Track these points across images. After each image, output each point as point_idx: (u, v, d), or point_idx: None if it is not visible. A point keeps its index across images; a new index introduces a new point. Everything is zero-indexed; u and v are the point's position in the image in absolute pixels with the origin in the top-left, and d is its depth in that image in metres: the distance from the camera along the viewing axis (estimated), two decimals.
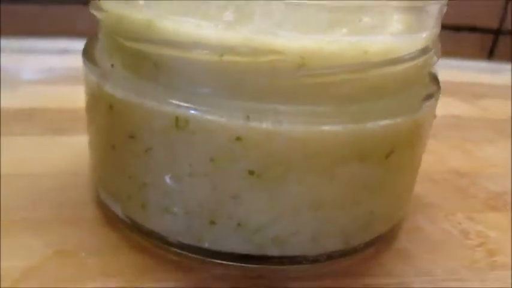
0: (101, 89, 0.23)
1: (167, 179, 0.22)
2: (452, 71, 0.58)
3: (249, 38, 0.20)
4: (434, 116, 0.27)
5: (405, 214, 0.30)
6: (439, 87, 0.27)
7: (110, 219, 0.27)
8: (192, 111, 0.20)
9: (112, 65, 0.23)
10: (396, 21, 0.22)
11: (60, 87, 0.46)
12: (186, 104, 0.20)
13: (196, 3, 0.20)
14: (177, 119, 0.21)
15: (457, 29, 0.70)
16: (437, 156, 0.39)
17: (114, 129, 0.23)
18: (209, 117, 0.20)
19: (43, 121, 0.39)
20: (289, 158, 0.21)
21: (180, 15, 0.20)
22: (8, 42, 0.55)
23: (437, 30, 0.26)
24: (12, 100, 0.42)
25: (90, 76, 0.24)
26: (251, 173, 0.21)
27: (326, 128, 0.21)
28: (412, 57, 0.22)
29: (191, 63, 0.20)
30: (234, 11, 0.19)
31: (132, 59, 0.22)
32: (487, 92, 0.54)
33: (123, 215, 0.25)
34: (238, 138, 0.20)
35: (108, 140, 0.24)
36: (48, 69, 0.50)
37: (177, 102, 0.21)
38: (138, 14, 0.21)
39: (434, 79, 0.27)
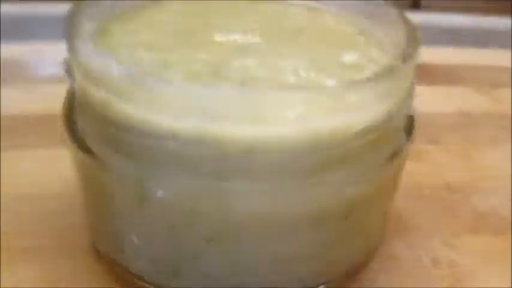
0: (78, 155, 0.25)
1: (134, 237, 0.25)
2: (470, 50, 0.56)
3: (196, 128, 0.21)
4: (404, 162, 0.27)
5: (377, 246, 0.30)
6: (410, 133, 0.27)
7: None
8: (152, 189, 0.22)
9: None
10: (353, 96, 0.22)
11: None
12: (147, 182, 0.22)
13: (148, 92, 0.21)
14: (140, 194, 0.22)
15: None
16: (433, 167, 0.39)
17: (92, 192, 0.26)
18: (167, 194, 0.22)
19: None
20: (243, 229, 0.23)
21: (131, 102, 0.21)
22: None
23: (408, 82, 0.25)
24: (27, 103, 0.43)
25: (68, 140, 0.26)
26: (208, 240, 0.23)
27: (279, 202, 0.22)
28: (373, 129, 0.23)
29: (147, 148, 0.22)
30: (181, 103, 0.20)
31: (101, 132, 0.23)
32: (508, 79, 0.52)
33: (106, 254, 0.28)
34: (194, 212, 0.22)
35: (89, 199, 0.27)
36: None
37: (140, 180, 0.22)
38: (96, 92, 0.22)
39: (406, 126, 0.27)
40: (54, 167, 0.36)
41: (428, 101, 0.50)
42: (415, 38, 0.25)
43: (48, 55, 0.50)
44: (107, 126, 0.22)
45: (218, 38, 0.28)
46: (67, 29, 0.24)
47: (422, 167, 0.38)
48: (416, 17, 0.29)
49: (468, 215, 0.34)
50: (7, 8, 0.56)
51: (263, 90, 0.20)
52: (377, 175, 0.24)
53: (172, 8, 0.31)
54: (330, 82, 0.24)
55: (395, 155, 0.25)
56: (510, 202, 0.35)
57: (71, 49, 0.23)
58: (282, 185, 0.22)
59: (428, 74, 0.52)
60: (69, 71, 0.25)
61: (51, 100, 0.45)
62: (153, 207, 0.23)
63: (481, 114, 0.46)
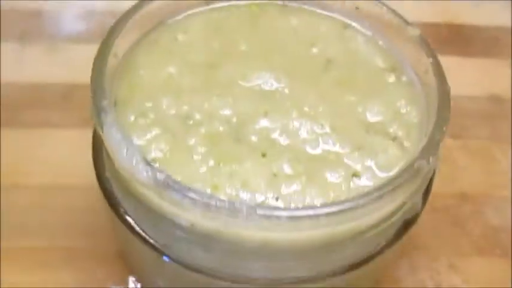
0: None
1: (159, 281, 0.27)
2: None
3: (214, 227, 0.21)
4: None
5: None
6: (426, 200, 0.27)
7: None
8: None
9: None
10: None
11: None
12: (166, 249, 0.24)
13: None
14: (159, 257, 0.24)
15: None
16: (450, 171, 0.38)
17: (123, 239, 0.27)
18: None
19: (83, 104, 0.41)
20: None
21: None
22: None
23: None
24: (50, 66, 0.43)
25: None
26: None
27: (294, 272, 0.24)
28: (385, 219, 0.23)
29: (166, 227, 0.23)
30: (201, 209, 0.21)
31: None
32: None
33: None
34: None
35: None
36: (90, 13, 0.48)
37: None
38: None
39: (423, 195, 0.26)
40: (82, 151, 0.37)
41: (457, 78, 0.47)
42: (445, 111, 0.24)
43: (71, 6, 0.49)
44: (131, 198, 0.24)
45: (241, 77, 0.27)
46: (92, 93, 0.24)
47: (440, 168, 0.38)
48: None
49: (479, 230, 0.35)
50: None
51: (278, 212, 0.20)
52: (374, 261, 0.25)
53: (196, 23, 0.30)
54: (349, 159, 0.24)
55: (409, 225, 0.26)
56: None
57: (99, 127, 0.23)
58: (294, 264, 0.24)
59: (462, 39, 0.49)
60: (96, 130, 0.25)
61: (76, 64, 0.45)
62: (172, 271, 0.25)
63: None
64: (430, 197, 0.34)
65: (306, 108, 0.26)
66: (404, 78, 0.28)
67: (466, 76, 0.45)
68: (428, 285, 0.32)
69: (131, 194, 0.23)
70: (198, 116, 0.25)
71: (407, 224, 0.25)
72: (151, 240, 0.25)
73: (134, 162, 0.21)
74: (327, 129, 0.25)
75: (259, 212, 0.20)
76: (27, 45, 0.44)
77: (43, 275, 0.32)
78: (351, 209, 0.21)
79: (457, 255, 0.34)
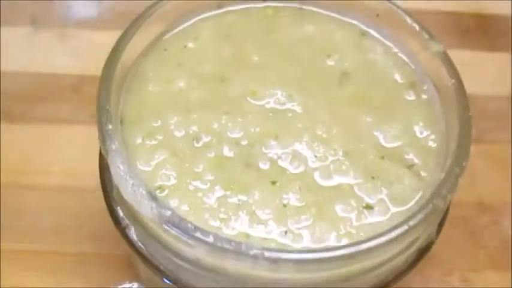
0: None
1: None
2: None
3: (219, 264, 0.21)
4: None
5: None
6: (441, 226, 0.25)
7: None
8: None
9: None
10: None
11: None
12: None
13: None
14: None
15: None
16: (469, 179, 0.36)
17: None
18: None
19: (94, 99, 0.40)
20: None
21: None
22: None
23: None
24: (59, 59, 0.41)
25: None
26: None
27: None
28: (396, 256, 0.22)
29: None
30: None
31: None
32: None
33: None
34: None
35: None
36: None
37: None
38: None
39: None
40: (92, 150, 0.32)
41: (478, 75, 0.43)
42: (466, 143, 0.23)
43: None
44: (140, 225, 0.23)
45: (252, 94, 0.26)
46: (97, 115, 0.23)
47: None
48: None
49: (495, 243, 0.34)
50: None
51: (286, 255, 0.20)
52: (401, 276, 0.24)
53: (206, 29, 0.29)
54: (361, 191, 0.23)
55: (424, 253, 0.25)
56: None
57: (104, 152, 0.22)
58: None
59: (486, 31, 0.46)
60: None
61: (86, 53, 0.44)
62: None
63: None
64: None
65: (318, 132, 0.25)
66: (423, 96, 0.27)
67: (488, 73, 0.44)
68: None
69: (137, 221, 0.23)
70: (206, 139, 0.24)
71: (422, 252, 0.25)
72: (155, 262, 0.24)
73: (139, 196, 0.21)
74: (340, 155, 0.24)
75: (267, 255, 0.19)
76: (37, 31, 0.44)
77: (52, 279, 0.32)
78: (362, 252, 0.20)
79: (472, 269, 0.33)
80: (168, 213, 0.20)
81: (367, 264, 0.21)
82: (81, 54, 0.43)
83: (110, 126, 0.23)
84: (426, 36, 0.27)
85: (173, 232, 0.20)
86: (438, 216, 0.23)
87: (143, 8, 0.30)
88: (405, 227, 0.21)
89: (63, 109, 0.39)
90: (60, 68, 0.41)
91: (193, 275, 0.23)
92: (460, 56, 0.45)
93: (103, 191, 0.26)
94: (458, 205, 0.37)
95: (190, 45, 0.28)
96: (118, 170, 0.21)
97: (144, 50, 0.28)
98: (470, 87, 0.42)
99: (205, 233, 0.20)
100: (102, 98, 0.23)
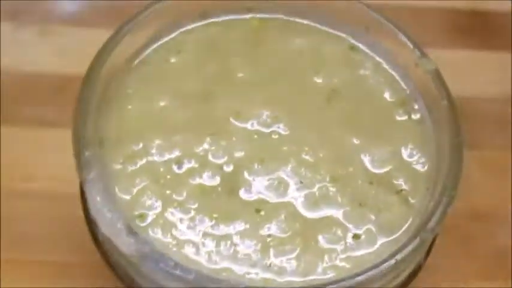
0: None
1: None
2: None
3: None
4: None
5: None
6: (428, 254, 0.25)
7: None
8: None
9: None
10: None
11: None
12: None
13: None
14: None
15: None
16: (463, 186, 0.35)
17: None
18: None
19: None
20: None
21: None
22: None
23: None
24: (42, 53, 0.40)
25: None
26: None
27: None
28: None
29: None
30: None
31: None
32: None
33: None
34: None
35: None
36: None
37: None
38: None
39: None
40: None
41: (475, 75, 0.41)
42: (457, 172, 0.22)
43: None
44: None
45: (236, 115, 0.25)
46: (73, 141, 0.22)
47: None
48: None
49: (489, 251, 0.33)
50: None
51: None
52: None
53: (188, 44, 0.27)
54: (348, 220, 0.22)
55: (412, 277, 0.24)
56: None
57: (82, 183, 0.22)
58: None
59: (485, 29, 0.45)
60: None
61: (69, 51, 0.43)
62: None
63: None
64: None
65: (305, 156, 0.24)
66: (414, 116, 0.26)
67: (486, 73, 0.42)
68: None
69: (118, 252, 0.22)
70: (189, 164, 0.24)
71: (410, 276, 0.24)
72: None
73: (117, 230, 0.20)
74: (327, 181, 0.23)
75: None
76: (18, 28, 0.42)
77: None
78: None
79: (460, 280, 0.33)
80: (147, 249, 0.20)
81: None
82: (64, 52, 0.41)
83: (87, 154, 0.22)
84: (418, 53, 0.26)
85: (152, 270, 0.20)
86: (426, 247, 0.22)
87: (127, 5, 0.29)
88: (392, 261, 0.20)
89: (47, 112, 0.39)
90: (43, 67, 0.40)
91: None
92: (457, 56, 0.46)
93: (83, 209, 0.25)
94: (452, 214, 0.37)
95: (172, 60, 0.27)
96: (95, 202, 0.21)
97: (124, 64, 0.26)
98: (467, 89, 0.41)
99: (186, 270, 0.19)
100: (78, 124, 0.23)
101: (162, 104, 0.25)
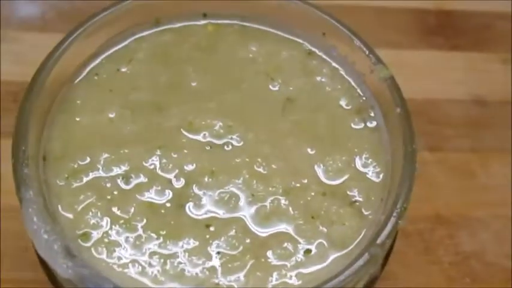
0: None
1: None
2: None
3: None
4: None
5: None
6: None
7: None
8: None
9: None
10: None
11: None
12: None
13: None
14: None
15: None
16: (426, 189, 0.35)
17: None
18: None
19: None
20: None
21: None
22: None
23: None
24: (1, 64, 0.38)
25: None
26: None
27: None
28: None
29: None
30: None
31: None
32: None
33: None
34: None
35: None
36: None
37: None
38: None
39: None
40: None
41: (440, 76, 0.41)
42: (409, 183, 0.21)
43: None
44: None
45: (188, 126, 0.24)
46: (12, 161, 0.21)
47: (416, 187, 0.36)
48: None
49: (450, 258, 0.33)
50: None
51: None
52: None
53: (140, 51, 0.27)
54: (299, 235, 0.22)
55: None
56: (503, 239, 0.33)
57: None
58: None
59: (450, 28, 0.45)
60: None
61: (28, 56, 0.41)
62: None
63: (499, 103, 0.41)
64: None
65: (257, 168, 0.23)
66: (370, 124, 0.25)
67: (451, 73, 0.42)
68: None
69: None
70: (137, 179, 0.23)
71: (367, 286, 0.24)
72: None
73: (54, 252, 0.19)
74: (279, 193, 0.23)
75: None
76: None
77: None
78: None
79: (425, 286, 0.33)
80: (85, 271, 0.19)
81: None
82: (23, 58, 0.40)
83: (25, 170, 0.21)
84: (373, 59, 0.25)
85: None
86: (378, 261, 0.22)
87: (89, 8, 0.28)
88: (341, 277, 0.20)
89: (3, 121, 0.38)
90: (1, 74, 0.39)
91: None
92: (423, 56, 0.45)
93: None
94: (414, 219, 0.36)
95: (123, 69, 0.26)
96: (31, 222, 0.20)
97: (72, 74, 0.25)
98: (432, 90, 0.41)
99: None
100: (19, 137, 0.22)
101: (111, 115, 0.25)
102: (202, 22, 0.28)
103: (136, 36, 0.27)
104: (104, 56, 0.26)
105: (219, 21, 0.28)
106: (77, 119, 0.24)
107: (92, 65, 0.26)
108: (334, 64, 0.27)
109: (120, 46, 0.27)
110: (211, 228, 0.22)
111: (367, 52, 0.25)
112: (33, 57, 0.39)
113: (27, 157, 0.21)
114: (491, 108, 0.41)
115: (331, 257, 0.22)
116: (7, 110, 0.37)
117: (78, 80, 0.25)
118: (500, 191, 0.36)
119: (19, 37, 0.41)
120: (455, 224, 0.35)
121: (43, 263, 0.22)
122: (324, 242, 0.22)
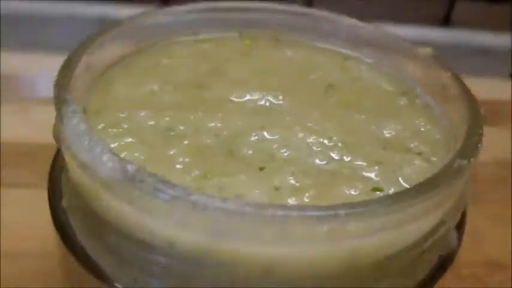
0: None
1: None
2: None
3: (199, 241, 0.16)
4: None
5: None
6: (461, 237, 0.22)
7: None
8: None
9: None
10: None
11: None
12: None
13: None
14: None
15: None
16: (470, 235, 0.34)
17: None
18: None
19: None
20: None
21: (123, 200, 0.17)
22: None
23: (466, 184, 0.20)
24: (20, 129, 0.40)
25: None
26: None
27: None
28: (418, 244, 0.18)
29: (138, 256, 0.17)
30: (182, 213, 0.16)
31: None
32: None
33: None
34: None
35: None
36: None
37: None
38: (86, 179, 0.18)
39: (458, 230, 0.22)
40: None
41: None
42: (478, 120, 0.20)
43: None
44: (94, 220, 0.18)
45: (233, 95, 0.24)
46: (55, 91, 0.20)
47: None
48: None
49: None
50: None
51: (290, 211, 0.15)
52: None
53: (182, 50, 0.27)
54: (367, 173, 0.20)
55: (445, 262, 0.20)
56: None
57: (60, 122, 0.19)
58: None
59: None
60: (56, 137, 0.21)
61: (48, 124, 0.42)
62: None
63: None
64: (456, 265, 0.30)
65: (309, 124, 0.22)
66: (418, 101, 0.25)
67: None
68: None
69: (92, 215, 0.18)
70: (181, 128, 0.21)
71: (443, 261, 0.20)
72: (115, 283, 0.19)
73: (97, 152, 0.16)
74: (338, 144, 0.21)
75: (267, 212, 0.15)
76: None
77: None
78: (378, 211, 0.16)
79: None
80: (133, 168, 0.16)
81: (382, 244, 0.17)
82: (42, 126, 0.40)
83: (69, 96, 0.19)
84: (410, 45, 0.25)
85: (141, 195, 0.16)
86: (462, 181, 0.18)
87: None
88: (427, 187, 0.17)
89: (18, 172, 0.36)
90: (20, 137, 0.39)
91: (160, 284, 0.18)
92: None
93: (50, 202, 0.21)
94: (465, 263, 0.33)
95: (164, 61, 0.26)
96: (74, 130, 0.17)
97: (112, 62, 0.25)
98: None
99: (182, 188, 0.15)
100: (61, 72, 0.20)
101: (153, 87, 0.24)
102: (238, 34, 0.29)
103: (176, 40, 0.28)
104: (144, 50, 0.26)
105: (254, 34, 0.29)
106: (116, 88, 0.23)
107: (132, 57, 0.26)
108: (370, 61, 0.27)
109: (159, 46, 0.27)
110: (266, 170, 0.19)
111: (401, 42, 0.26)
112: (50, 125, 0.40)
113: (69, 90, 0.20)
114: None
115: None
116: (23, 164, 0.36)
117: (116, 67, 0.25)
118: None
119: (39, 110, 0.42)
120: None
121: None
122: (396, 179, 0.19)
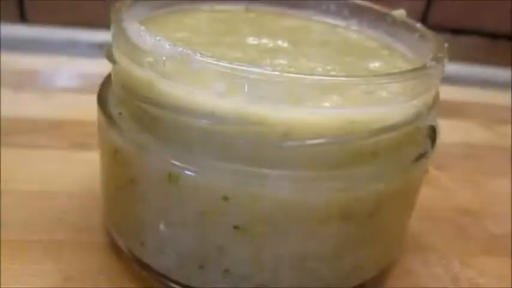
0: (108, 134, 0.25)
1: (161, 224, 0.24)
2: (475, 89, 0.58)
3: (236, 108, 0.21)
4: (426, 170, 0.28)
5: (395, 258, 0.30)
6: (434, 141, 0.27)
7: (117, 247, 0.29)
8: (184, 170, 0.22)
9: (120, 113, 0.25)
10: (386, 90, 0.23)
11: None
12: (178, 163, 0.22)
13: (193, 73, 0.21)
14: (170, 174, 0.22)
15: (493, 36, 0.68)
16: (443, 192, 0.39)
17: (117, 171, 0.25)
18: (199, 177, 0.22)
19: (70, 134, 0.40)
20: (272, 218, 0.22)
21: (176, 81, 0.22)
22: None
23: (436, 88, 0.26)
24: (43, 110, 0.44)
25: (101, 119, 0.26)
26: (236, 227, 0.23)
27: (310, 191, 0.22)
28: (404, 124, 0.23)
29: (184, 127, 0.22)
30: (225, 82, 0.21)
31: (136, 111, 0.24)
32: (508, 117, 0.53)
33: (125, 248, 0.27)
34: (225, 198, 0.22)
35: (112, 180, 0.26)
36: (83, 75, 0.51)
37: (171, 160, 0.22)
38: (141, 73, 0.23)
39: (430, 134, 0.27)
40: (64, 167, 0.36)
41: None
42: (443, 47, 0.26)
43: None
44: (146, 105, 0.23)
45: (248, 40, 0.29)
46: (114, 18, 0.25)
47: (433, 191, 0.38)
48: None
49: (482, 237, 0.34)
50: None
51: (303, 74, 0.21)
52: (404, 175, 0.24)
53: (201, 15, 0.33)
54: None
55: (421, 157, 0.25)
56: None
57: (119, 32, 0.24)
58: (313, 175, 0.22)
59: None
60: (110, 56, 0.26)
61: (67, 107, 0.46)
62: (182, 191, 0.22)
63: (486, 146, 0.46)
64: (429, 209, 0.34)
65: (311, 58, 0.27)
66: (396, 53, 0.30)
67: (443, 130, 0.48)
68: (444, 278, 0.30)
69: (144, 101, 0.23)
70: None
71: (419, 156, 0.25)
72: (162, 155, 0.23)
73: (158, 40, 0.22)
74: (336, 69, 0.26)
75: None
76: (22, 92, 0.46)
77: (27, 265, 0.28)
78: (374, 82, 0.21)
79: (467, 255, 0.32)
80: (179, 48, 0.21)
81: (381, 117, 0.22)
82: (61, 108, 0.44)
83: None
84: (385, 10, 0.32)
85: (191, 63, 0.21)
86: (434, 79, 0.24)
87: None
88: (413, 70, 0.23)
89: (42, 138, 0.40)
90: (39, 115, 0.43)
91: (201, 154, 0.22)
92: None
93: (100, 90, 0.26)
94: (439, 209, 0.37)
95: (188, 21, 0.31)
96: (134, 28, 0.23)
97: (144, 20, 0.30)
98: None
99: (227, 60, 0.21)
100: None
101: (180, 35, 0.29)
102: (243, 8, 0.35)
103: (196, 7, 0.33)
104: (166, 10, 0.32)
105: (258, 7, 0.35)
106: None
107: (155, 14, 0.31)
108: (355, 28, 0.33)
109: (182, 11, 0.32)
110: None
111: (378, 8, 0.32)
112: (69, 107, 0.44)
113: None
114: (480, 150, 0.46)
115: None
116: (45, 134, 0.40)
117: (150, 21, 0.30)
118: (508, 196, 0.39)
119: (59, 96, 0.46)
120: (477, 215, 0.37)
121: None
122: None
